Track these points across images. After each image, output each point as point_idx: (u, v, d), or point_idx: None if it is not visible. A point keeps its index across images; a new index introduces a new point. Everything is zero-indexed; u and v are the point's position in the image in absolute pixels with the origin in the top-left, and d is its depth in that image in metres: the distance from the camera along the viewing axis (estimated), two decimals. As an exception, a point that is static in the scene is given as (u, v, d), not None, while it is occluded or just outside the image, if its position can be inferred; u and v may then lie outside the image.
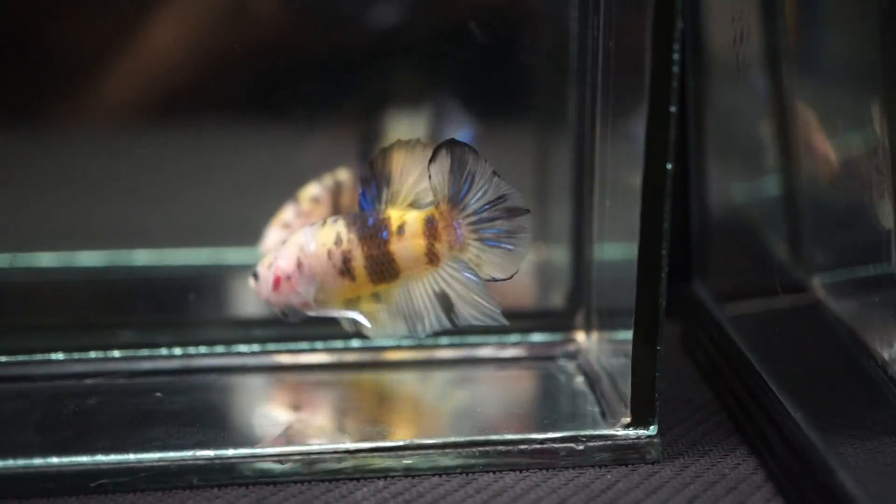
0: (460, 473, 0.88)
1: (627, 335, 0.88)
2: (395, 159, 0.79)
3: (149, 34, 0.98)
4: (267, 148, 1.04)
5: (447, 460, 0.88)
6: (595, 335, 1.04)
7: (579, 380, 1.00)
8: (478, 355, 1.05)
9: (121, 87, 1.00)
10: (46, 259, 1.07)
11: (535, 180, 1.08)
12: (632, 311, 0.87)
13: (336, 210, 1.00)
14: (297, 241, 0.84)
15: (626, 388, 0.89)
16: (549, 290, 1.11)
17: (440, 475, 0.88)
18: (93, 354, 1.03)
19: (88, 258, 1.09)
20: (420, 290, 0.81)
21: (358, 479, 0.87)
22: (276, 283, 0.85)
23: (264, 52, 1.02)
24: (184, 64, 1.00)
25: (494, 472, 0.89)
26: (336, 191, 1.01)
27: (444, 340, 1.03)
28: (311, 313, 0.87)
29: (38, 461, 0.85)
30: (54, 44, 0.99)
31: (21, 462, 0.86)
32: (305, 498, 0.86)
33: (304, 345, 1.03)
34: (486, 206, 0.78)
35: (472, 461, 0.89)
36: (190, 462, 0.86)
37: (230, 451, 0.87)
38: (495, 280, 0.80)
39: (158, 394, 0.96)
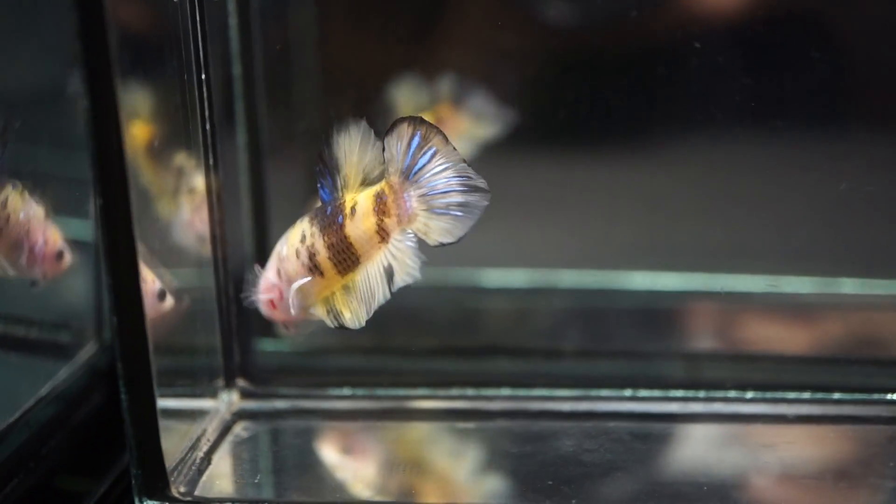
0: None
1: None
2: (338, 144, 0.75)
3: None
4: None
5: None
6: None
7: None
8: None
9: None
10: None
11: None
12: None
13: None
14: (276, 248, 0.80)
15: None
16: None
17: None
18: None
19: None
20: (375, 270, 0.77)
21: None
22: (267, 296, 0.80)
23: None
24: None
25: None
26: None
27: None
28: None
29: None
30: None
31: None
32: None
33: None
34: (443, 181, 0.74)
35: None
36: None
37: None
38: (443, 245, 0.75)
39: None
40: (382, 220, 0.75)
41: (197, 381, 0.89)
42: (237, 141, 0.94)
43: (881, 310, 1.00)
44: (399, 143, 0.74)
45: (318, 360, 0.97)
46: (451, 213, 0.74)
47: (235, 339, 0.91)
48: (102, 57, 0.68)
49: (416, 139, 0.73)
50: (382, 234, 0.76)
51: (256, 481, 0.82)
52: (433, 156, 0.73)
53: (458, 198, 0.74)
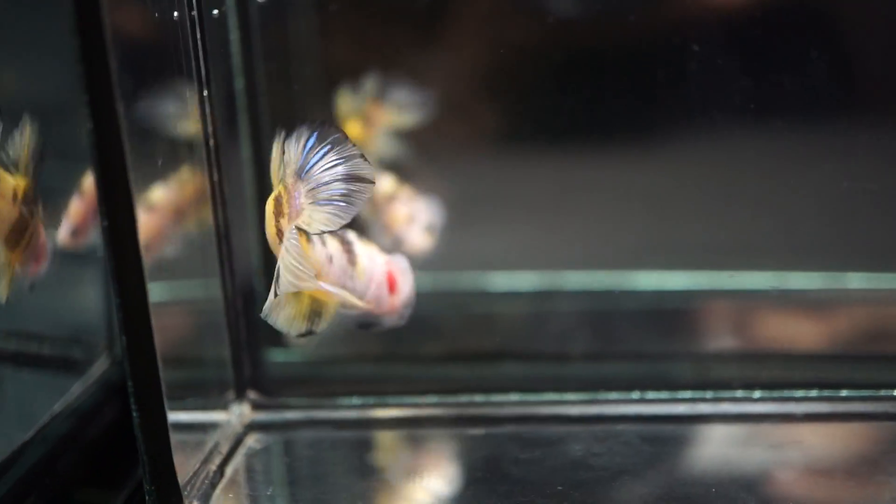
0: None
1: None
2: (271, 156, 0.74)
3: None
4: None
5: None
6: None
7: None
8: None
9: None
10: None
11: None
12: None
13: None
14: None
15: None
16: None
17: None
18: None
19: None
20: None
21: None
22: None
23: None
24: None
25: None
26: None
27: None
28: None
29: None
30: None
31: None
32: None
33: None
34: (329, 175, 0.72)
35: None
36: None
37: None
38: (322, 233, 0.73)
39: None
40: (279, 221, 0.73)
41: (208, 395, 0.89)
42: (241, 155, 0.95)
43: (888, 305, 1.00)
44: (296, 144, 0.72)
45: (328, 369, 0.98)
46: (334, 203, 0.72)
47: (245, 351, 0.92)
48: (104, 79, 0.69)
49: (312, 140, 0.72)
50: (280, 237, 0.74)
51: (269, 493, 0.83)
52: (326, 153, 0.72)
53: (340, 188, 0.72)
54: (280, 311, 0.73)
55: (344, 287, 0.76)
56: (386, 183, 0.98)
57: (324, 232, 0.73)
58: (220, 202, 0.88)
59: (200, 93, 0.85)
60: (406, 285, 0.80)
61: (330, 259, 0.75)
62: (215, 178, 0.87)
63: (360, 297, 0.77)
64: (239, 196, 0.94)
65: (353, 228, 0.78)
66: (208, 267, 0.89)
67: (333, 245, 0.76)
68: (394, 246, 0.95)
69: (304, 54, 0.99)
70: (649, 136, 0.98)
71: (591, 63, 0.97)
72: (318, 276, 0.74)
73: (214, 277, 0.89)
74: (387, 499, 0.84)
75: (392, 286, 0.79)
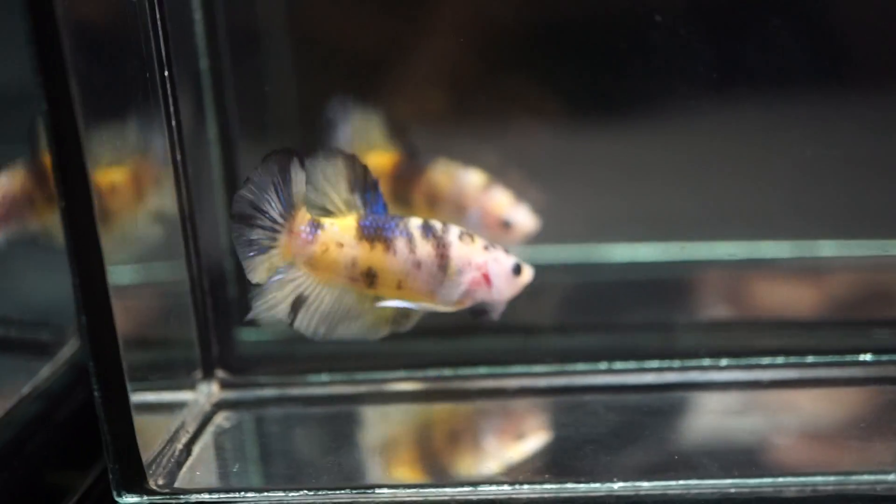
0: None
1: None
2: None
3: None
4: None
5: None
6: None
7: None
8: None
9: None
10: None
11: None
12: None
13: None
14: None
15: None
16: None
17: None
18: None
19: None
20: None
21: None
22: None
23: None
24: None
25: None
26: None
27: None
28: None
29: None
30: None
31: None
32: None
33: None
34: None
35: None
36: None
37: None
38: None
39: None
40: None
41: (173, 374, 0.90)
42: (208, 135, 0.95)
43: (854, 272, 1.00)
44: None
45: (297, 347, 0.98)
46: None
47: (213, 330, 0.92)
48: (57, 60, 0.69)
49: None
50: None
51: (236, 470, 0.84)
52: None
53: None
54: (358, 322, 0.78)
55: (431, 291, 0.79)
56: (475, 176, 0.97)
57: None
58: (184, 182, 0.88)
59: (161, 73, 0.85)
60: (503, 282, 0.81)
61: (418, 265, 0.78)
62: (178, 158, 0.87)
63: (447, 299, 0.80)
64: (207, 176, 0.94)
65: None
66: (173, 248, 0.89)
67: (426, 250, 0.78)
68: (503, 230, 0.96)
69: (269, 33, 0.99)
70: (617, 109, 0.99)
71: (557, 36, 0.97)
72: (400, 284, 0.78)
73: (180, 258, 0.90)
74: (355, 474, 0.84)
75: (489, 284, 0.80)
